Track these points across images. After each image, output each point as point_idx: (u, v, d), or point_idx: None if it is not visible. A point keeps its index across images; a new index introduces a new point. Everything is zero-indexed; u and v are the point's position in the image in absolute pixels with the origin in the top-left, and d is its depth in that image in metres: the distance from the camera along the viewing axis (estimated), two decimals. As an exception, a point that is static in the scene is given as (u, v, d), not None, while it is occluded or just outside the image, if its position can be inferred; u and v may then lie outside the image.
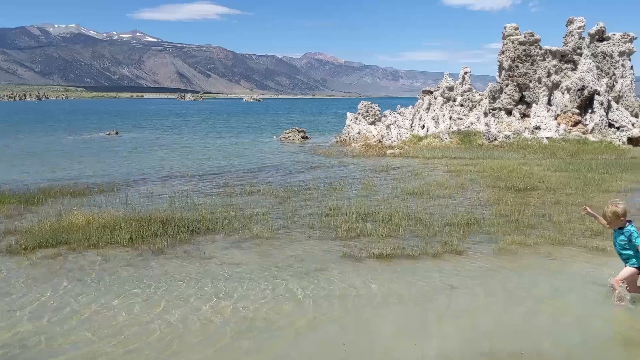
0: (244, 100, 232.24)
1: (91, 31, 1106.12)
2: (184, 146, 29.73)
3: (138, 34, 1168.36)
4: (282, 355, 5.34)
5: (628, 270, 6.43)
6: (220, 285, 7.17)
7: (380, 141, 27.01)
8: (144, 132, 42.11)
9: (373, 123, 32.57)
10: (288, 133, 33.77)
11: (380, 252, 8.54)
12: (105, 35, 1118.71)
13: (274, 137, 34.98)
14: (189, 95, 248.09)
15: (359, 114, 33.06)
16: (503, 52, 31.35)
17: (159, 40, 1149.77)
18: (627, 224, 6.42)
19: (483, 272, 7.67)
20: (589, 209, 6.96)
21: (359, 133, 30.15)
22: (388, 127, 28.99)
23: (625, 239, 6.39)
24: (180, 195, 13.79)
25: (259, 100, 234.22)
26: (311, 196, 13.52)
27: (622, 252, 6.49)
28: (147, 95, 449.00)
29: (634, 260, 6.42)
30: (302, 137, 33.39)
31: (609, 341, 5.65)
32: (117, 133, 38.61)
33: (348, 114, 32.66)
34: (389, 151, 23.86)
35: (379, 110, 34.03)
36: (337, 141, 30.61)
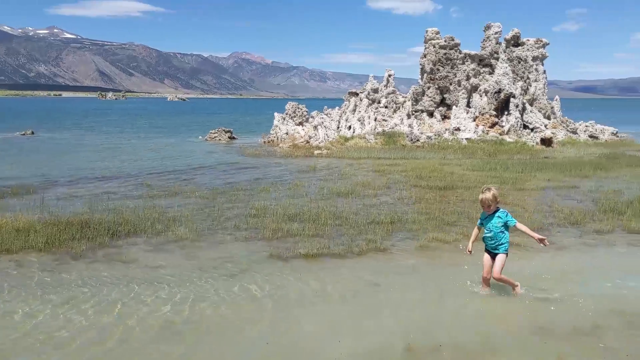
0: (168, 99, 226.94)
1: (5, 27, 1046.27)
2: (106, 147, 28.71)
3: (56, 30, 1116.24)
4: (204, 358, 5.28)
5: (503, 257, 6.65)
6: (142, 289, 6.99)
7: (307, 142, 27.17)
8: (63, 133, 40.29)
9: (301, 124, 32.72)
10: (214, 133, 33.33)
11: (306, 251, 8.60)
12: (20, 31, 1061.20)
13: (200, 137, 34.42)
14: (110, 94, 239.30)
15: (286, 114, 33.11)
16: (425, 56, 32.31)
17: (78, 37, 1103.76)
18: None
19: (406, 269, 7.90)
20: (470, 248, 7.00)
21: (287, 134, 30.20)
22: (315, 127, 29.20)
23: (503, 221, 6.61)
24: (100, 198, 13.32)
25: (184, 100, 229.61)
26: (238, 197, 13.42)
27: (499, 235, 6.62)
28: (65, 94, 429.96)
29: (506, 245, 6.66)
30: (229, 138, 33.06)
31: (527, 332, 5.94)
32: (32, 133, 36.73)
33: (276, 114, 32.64)
34: (316, 152, 24.05)
35: (307, 111, 34.21)
36: (264, 142, 30.52)
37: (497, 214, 6.69)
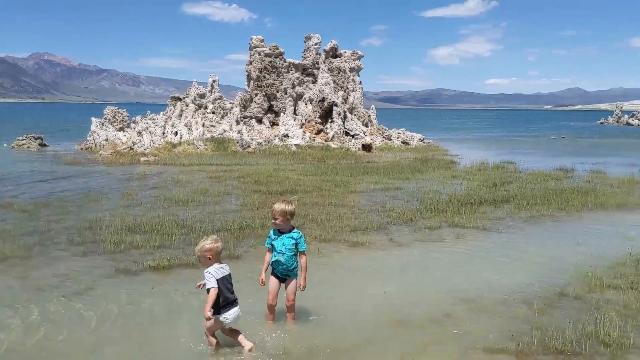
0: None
1: None
2: None
3: None
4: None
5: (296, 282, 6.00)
6: (-29, 317, 6.04)
7: (131, 148, 25.75)
8: None
9: (122, 129, 30.96)
10: (22, 140, 30.06)
11: (156, 263, 8.15)
12: None
13: (5, 144, 30.78)
14: None
15: (105, 119, 31.10)
16: (251, 63, 32.60)
17: None
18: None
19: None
20: (263, 277, 6.00)
21: (107, 140, 28.34)
22: (140, 133, 27.82)
23: (295, 242, 5.87)
24: None
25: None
26: (65, 209, 12.26)
27: (292, 259, 5.89)
28: None
29: (297, 270, 6.00)
30: (40, 145, 30.07)
31: (393, 325, 6.24)
32: None
33: (93, 119, 30.46)
34: (143, 159, 22.90)
35: (128, 116, 32.48)
36: (81, 148, 28.30)
37: (291, 234, 5.89)
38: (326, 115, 30.71)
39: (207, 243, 5.37)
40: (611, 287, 7.34)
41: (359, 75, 36.23)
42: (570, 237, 10.34)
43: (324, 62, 33.52)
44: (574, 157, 26.97)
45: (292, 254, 5.89)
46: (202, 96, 32.40)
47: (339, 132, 30.06)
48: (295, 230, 5.97)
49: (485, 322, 6.24)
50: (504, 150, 32.07)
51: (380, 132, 34.13)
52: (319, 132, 29.73)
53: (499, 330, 5.98)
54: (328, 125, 30.48)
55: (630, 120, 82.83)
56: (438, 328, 6.06)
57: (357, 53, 36.64)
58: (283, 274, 5.97)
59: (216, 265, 5.38)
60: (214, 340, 5.43)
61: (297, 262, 5.98)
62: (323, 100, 30.29)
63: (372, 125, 34.55)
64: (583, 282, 7.54)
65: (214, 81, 33.45)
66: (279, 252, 5.89)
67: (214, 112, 31.87)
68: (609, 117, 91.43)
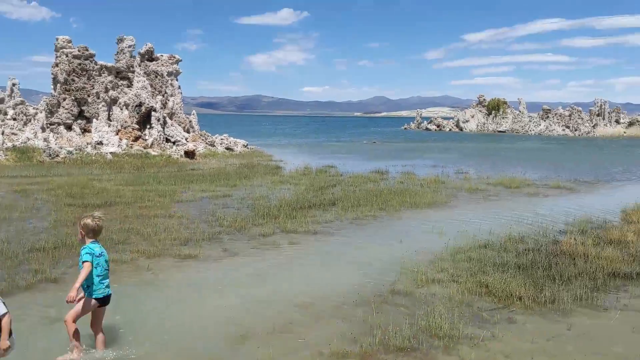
0: None
1: None
2: None
3: None
4: None
5: (86, 302, 5.36)
6: None
7: None
8: None
9: None
10: None
11: (-48, 295, 6.92)
12: None
13: None
14: None
15: None
16: (57, 65, 29.88)
17: None
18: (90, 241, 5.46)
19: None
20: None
21: None
22: None
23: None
24: None
25: None
26: None
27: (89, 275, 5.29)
28: None
29: (93, 289, 5.38)
30: None
31: (234, 339, 5.97)
32: None
33: None
34: None
35: None
36: None
37: (84, 248, 5.40)
38: (144, 121, 29.25)
39: None
40: (435, 281, 7.88)
41: (177, 80, 35.17)
42: (394, 235, 10.98)
43: (140, 66, 31.97)
44: (386, 160, 29.02)
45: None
46: (0, 101, 28.88)
47: (158, 139, 28.82)
48: (88, 244, 5.42)
49: (328, 326, 6.28)
50: (324, 155, 33.43)
51: (203, 138, 33.47)
52: (137, 138, 28.21)
53: (342, 333, 6.05)
54: (147, 131, 29.06)
55: (428, 126, 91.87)
56: (283, 338, 5.94)
57: (174, 57, 35.54)
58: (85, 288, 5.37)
59: None
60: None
61: (91, 279, 5.32)
62: (140, 105, 28.81)
63: (194, 131, 33.73)
64: (410, 278, 8.00)
65: (13, 84, 30.07)
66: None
67: (15, 119, 28.59)
68: (411, 122, 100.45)
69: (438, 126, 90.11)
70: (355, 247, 10.08)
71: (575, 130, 76.02)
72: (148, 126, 29.28)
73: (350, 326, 6.25)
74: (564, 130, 76.93)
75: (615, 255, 9.11)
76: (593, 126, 76.72)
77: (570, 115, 78.38)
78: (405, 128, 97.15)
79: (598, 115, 79.43)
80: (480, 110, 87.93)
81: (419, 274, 8.09)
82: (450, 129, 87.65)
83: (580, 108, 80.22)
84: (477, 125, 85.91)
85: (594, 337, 6.03)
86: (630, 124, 78.74)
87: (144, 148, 27.41)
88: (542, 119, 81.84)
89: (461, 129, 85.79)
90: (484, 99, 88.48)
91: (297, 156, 32.24)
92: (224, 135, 35.94)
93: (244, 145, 34.92)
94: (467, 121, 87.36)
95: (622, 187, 19.82)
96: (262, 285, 7.75)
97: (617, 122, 79.85)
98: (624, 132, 75.30)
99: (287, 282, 7.92)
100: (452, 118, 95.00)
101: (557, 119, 79.59)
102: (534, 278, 7.89)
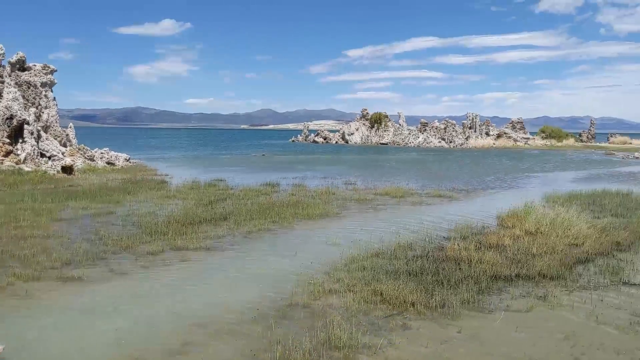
0: None
1: None
2: None
3: None
4: None
5: None
6: None
7: None
8: None
9: None
10: None
11: None
12: None
13: None
14: None
15: None
16: None
17: None
18: None
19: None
20: None
21: None
22: None
23: None
24: None
25: None
26: None
27: None
28: None
29: None
30: None
31: (120, 367, 5.64)
32: None
33: None
34: None
35: None
36: None
37: None
38: (16, 135, 27.09)
39: None
40: (332, 292, 7.97)
41: (52, 91, 33.08)
42: (288, 248, 10.98)
43: (10, 76, 29.65)
44: (277, 173, 29.09)
45: None
46: None
47: (32, 154, 26.81)
48: None
49: (226, 345, 6.12)
50: (212, 168, 32.82)
51: (82, 152, 31.60)
52: (7, 153, 26.04)
53: (241, 351, 5.93)
54: (19, 146, 26.91)
55: (316, 138, 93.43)
56: (179, 360, 5.71)
57: (48, 67, 33.41)
58: None
59: None
60: None
61: None
62: (11, 118, 26.66)
63: (71, 145, 31.78)
64: (307, 290, 8.03)
65: None
66: None
67: None
68: (299, 135, 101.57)
69: (325, 139, 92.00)
70: (250, 261, 9.95)
71: (451, 142, 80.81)
72: (20, 140, 27.14)
73: (249, 343, 6.14)
74: (440, 142, 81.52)
75: (495, 259, 9.74)
76: (466, 138, 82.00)
77: (445, 128, 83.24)
78: (293, 140, 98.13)
79: (470, 127, 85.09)
80: (364, 124, 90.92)
81: (316, 286, 8.14)
82: (336, 142, 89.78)
83: (454, 121, 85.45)
84: (362, 138, 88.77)
85: (482, 339, 6.38)
86: (499, 135, 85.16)
87: (17, 164, 25.37)
88: (420, 131, 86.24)
89: (347, 142, 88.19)
90: (367, 113, 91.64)
91: (183, 170, 31.41)
92: (105, 149, 34.20)
93: (126, 159, 33.44)
94: (352, 134, 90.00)
95: (496, 194, 21.30)
96: (153, 306, 7.41)
97: (487, 134, 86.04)
98: (494, 144, 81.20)
99: (181, 301, 7.64)
100: (338, 131, 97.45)
101: (434, 132, 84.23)
102: (425, 284, 8.23)
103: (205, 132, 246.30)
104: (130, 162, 33.63)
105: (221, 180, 23.81)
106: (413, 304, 7.36)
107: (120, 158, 33.20)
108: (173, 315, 7.01)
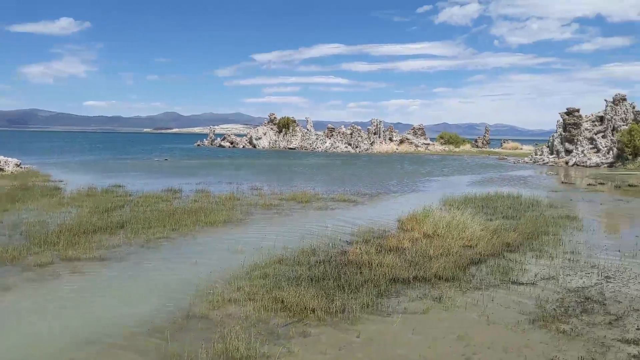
0: None
1: None
2: None
3: None
4: None
5: None
6: None
7: None
8: None
9: None
10: None
11: None
12: None
13: None
14: None
15: None
16: None
17: None
18: None
19: None
20: None
21: None
22: None
23: None
24: None
25: None
26: None
27: None
28: None
29: None
30: None
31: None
32: None
33: None
34: None
35: None
36: None
37: None
38: None
39: None
40: (232, 301, 7.80)
41: None
42: (188, 257, 10.66)
43: None
44: (179, 178, 28.31)
45: None
46: None
47: None
48: None
49: (117, 362, 5.80)
50: (110, 174, 31.39)
51: (-36, 157, 29.18)
52: None
53: (133, 368, 5.63)
54: None
55: (222, 143, 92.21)
56: (65, 381, 5.33)
57: None
58: None
59: None
60: None
61: None
62: None
63: (-48, 150, 29.24)
64: (206, 301, 7.81)
65: None
66: None
67: None
68: (204, 139, 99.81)
69: (232, 143, 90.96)
70: (147, 272, 9.55)
71: (357, 147, 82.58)
72: None
73: (143, 358, 5.85)
74: (346, 147, 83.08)
75: (394, 262, 9.96)
76: (371, 143, 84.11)
77: (351, 134, 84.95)
78: (198, 145, 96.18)
79: (375, 133, 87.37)
80: (271, 128, 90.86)
81: (215, 295, 7.94)
82: (243, 146, 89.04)
83: (360, 127, 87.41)
84: (270, 142, 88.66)
85: (380, 342, 6.47)
86: (402, 141, 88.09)
87: None
88: (327, 137, 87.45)
89: (254, 146, 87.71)
90: (275, 117, 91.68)
91: (80, 175, 29.83)
92: (-8, 153, 31.81)
93: (16, 164, 31.27)
94: (259, 138, 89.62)
95: (398, 197, 21.92)
96: (41, 322, 6.93)
97: (391, 139, 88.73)
98: (397, 149, 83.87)
99: (71, 315, 7.20)
100: (246, 135, 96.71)
101: (341, 137, 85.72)
102: (326, 289, 8.25)
103: (105, 135, 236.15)
104: (21, 167, 31.52)
105: (120, 187, 22.82)
106: (314, 310, 7.35)
107: (10, 163, 31.02)
108: (60, 332, 6.57)
